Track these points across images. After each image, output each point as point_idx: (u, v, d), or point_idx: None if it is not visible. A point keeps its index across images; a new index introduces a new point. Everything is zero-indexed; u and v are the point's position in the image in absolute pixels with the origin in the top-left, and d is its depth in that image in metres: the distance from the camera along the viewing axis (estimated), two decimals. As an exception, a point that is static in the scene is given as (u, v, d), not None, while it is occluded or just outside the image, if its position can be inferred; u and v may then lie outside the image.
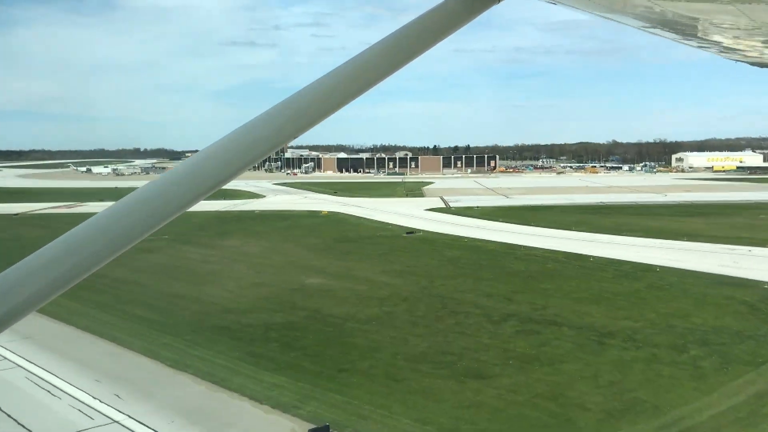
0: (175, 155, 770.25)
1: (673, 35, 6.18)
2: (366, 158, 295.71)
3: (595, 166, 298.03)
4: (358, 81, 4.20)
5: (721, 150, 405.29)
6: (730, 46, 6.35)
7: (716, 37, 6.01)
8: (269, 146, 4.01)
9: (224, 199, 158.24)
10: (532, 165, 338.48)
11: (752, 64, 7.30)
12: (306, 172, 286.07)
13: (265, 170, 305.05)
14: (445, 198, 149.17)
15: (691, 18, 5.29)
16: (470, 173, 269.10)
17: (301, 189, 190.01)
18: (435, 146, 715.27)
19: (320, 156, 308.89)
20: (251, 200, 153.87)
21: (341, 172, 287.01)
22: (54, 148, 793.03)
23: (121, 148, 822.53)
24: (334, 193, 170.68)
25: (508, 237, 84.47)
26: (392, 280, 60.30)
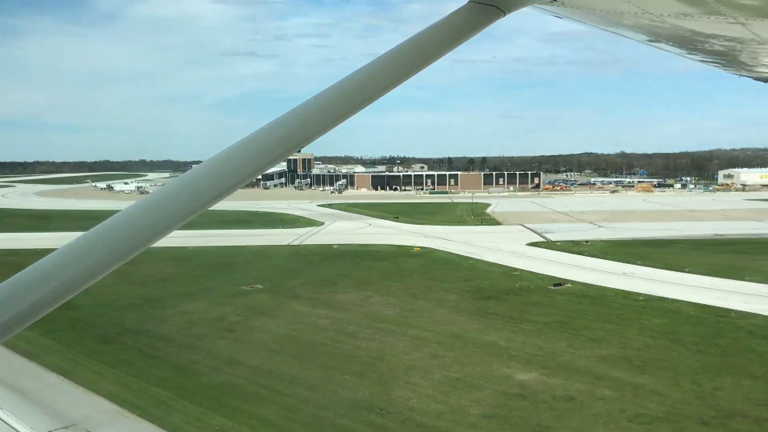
0: (183, 167, 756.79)
1: (677, 50, 6.19)
2: (403, 175, 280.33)
3: (643, 182, 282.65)
4: (363, 92, 4.26)
5: (750, 165, 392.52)
6: (733, 61, 6.37)
7: (719, 53, 5.98)
8: (275, 155, 4.02)
9: (282, 226, 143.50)
10: (570, 180, 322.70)
11: (756, 79, 7.55)
12: (339, 190, 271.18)
13: (295, 187, 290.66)
14: (530, 227, 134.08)
15: (695, 33, 5.28)
16: (512, 191, 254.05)
17: (353, 212, 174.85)
18: (449, 158, 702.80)
19: (353, 173, 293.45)
20: (311, 228, 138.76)
21: (376, 189, 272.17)
22: (57, 158, 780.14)
23: (126, 159, 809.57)
24: (396, 219, 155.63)
25: (695, 293, 69.21)
26: (635, 377, 44.98)
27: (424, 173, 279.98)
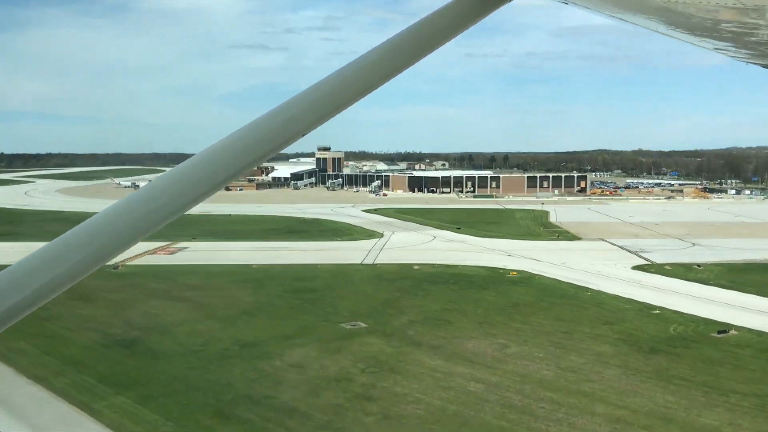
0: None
1: (688, 36, 6.17)
2: (441, 177, 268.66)
3: (698, 188, 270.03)
4: (366, 79, 4.18)
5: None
6: (747, 48, 6.24)
7: (732, 39, 5.95)
8: (276, 144, 3.97)
9: (341, 238, 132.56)
10: (609, 183, 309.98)
11: (764, 66, 7.19)
12: (374, 192, 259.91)
13: (327, 188, 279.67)
14: (615, 243, 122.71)
15: (708, 20, 5.29)
16: (558, 194, 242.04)
17: (405, 220, 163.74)
18: (470, 155, 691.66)
19: (388, 173, 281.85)
20: (374, 242, 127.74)
21: (412, 191, 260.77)
22: (67, 150, 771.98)
23: (139, 152, 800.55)
24: (458, 230, 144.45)
25: None
26: None
27: (464, 175, 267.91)
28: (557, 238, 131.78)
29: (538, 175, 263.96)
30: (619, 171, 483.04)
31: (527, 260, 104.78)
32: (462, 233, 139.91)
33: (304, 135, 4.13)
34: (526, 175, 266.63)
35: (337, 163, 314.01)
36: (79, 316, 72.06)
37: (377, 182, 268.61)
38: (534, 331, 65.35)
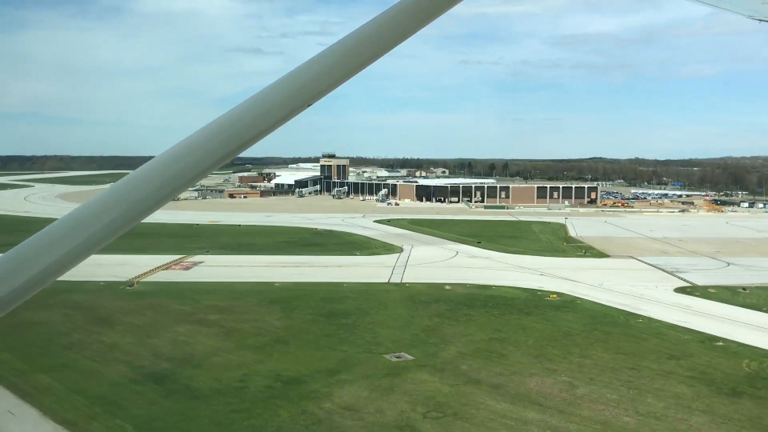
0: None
1: None
2: (450, 186, 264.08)
3: (706, 199, 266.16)
4: (347, 64, 4.05)
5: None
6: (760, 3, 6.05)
7: None
8: (256, 132, 3.87)
9: (359, 252, 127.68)
10: (616, 193, 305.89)
11: None
12: (382, 201, 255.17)
13: (333, 196, 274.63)
14: (646, 261, 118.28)
15: None
16: (569, 205, 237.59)
17: (422, 233, 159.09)
18: (469, 162, 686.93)
19: (397, 183, 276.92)
20: (395, 257, 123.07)
21: (420, 200, 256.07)
22: (63, 152, 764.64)
23: (135, 155, 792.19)
24: (478, 244, 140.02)
25: None
26: None
27: (473, 184, 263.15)
28: (584, 255, 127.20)
29: (548, 186, 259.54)
30: (621, 180, 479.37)
31: (562, 281, 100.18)
32: (484, 248, 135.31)
33: (309, 105, 3.97)
34: (535, 186, 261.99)
35: (342, 170, 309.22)
36: (102, 345, 66.95)
37: (384, 191, 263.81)
38: (598, 367, 60.59)
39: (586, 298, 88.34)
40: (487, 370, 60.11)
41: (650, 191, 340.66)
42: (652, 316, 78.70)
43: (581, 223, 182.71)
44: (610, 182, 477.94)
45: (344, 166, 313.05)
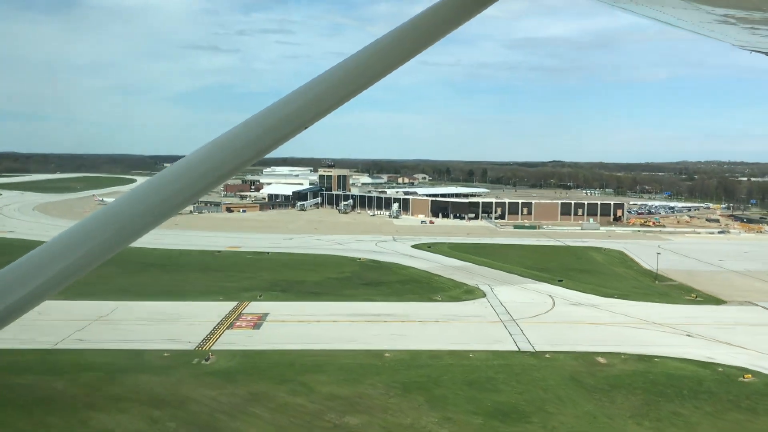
0: (154, 163, 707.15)
1: (686, 23, 6.11)
2: (470, 202, 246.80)
3: (730, 217, 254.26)
4: (353, 82, 4.16)
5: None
6: (748, 33, 6.17)
7: (732, 27, 5.82)
8: (262, 148, 3.98)
9: (439, 297, 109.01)
10: (634, 209, 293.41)
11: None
12: (396, 217, 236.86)
13: (339, 211, 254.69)
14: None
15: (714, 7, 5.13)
16: (593, 223, 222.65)
17: (475, 263, 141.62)
18: (447, 169, 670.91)
19: (410, 197, 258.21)
20: (483, 304, 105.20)
21: (436, 217, 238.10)
22: (10, 148, 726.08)
23: (90, 152, 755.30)
24: (559, 282, 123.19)
25: None
26: None
27: (494, 201, 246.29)
28: (696, 301, 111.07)
29: (572, 202, 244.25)
30: (610, 190, 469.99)
31: (723, 346, 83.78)
32: (571, 288, 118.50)
33: (293, 135, 4.05)
34: (559, 202, 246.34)
35: (343, 181, 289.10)
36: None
37: (396, 206, 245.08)
38: None
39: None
40: None
41: (654, 203, 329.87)
42: None
43: (638, 250, 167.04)
44: (599, 191, 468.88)
45: (345, 176, 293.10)
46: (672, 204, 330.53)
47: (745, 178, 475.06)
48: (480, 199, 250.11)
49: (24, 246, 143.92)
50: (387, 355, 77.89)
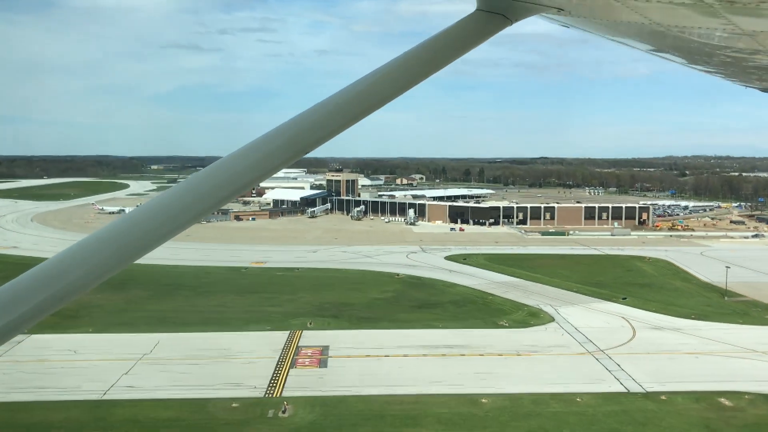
0: (136, 164, 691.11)
1: (681, 60, 6.25)
2: (490, 207, 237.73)
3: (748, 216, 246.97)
4: (371, 98, 4.29)
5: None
6: (740, 72, 6.16)
7: (726, 63, 5.76)
8: (280, 161, 4.12)
9: (505, 322, 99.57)
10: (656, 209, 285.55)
11: (763, 90, 7.56)
12: (413, 223, 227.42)
13: (352, 218, 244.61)
14: None
15: (702, 45, 5.16)
16: (619, 228, 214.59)
17: (520, 277, 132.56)
18: (443, 168, 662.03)
19: (425, 202, 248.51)
20: (557, 331, 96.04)
21: (455, 223, 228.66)
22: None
23: (73, 154, 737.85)
24: (624, 300, 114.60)
25: None
26: None
27: (515, 206, 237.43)
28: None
29: (596, 206, 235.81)
30: (613, 189, 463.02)
31: None
32: (640, 308, 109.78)
33: (309, 151, 4.14)
34: (583, 206, 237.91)
35: (351, 185, 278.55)
36: None
37: (411, 212, 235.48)
38: None
39: None
40: None
41: (666, 202, 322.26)
42: None
43: (683, 258, 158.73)
44: (601, 189, 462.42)
45: (353, 181, 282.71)
46: (684, 203, 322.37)
47: (745, 174, 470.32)
48: (500, 204, 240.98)
49: (20, 264, 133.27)
50: (484, 401, 68.29)
